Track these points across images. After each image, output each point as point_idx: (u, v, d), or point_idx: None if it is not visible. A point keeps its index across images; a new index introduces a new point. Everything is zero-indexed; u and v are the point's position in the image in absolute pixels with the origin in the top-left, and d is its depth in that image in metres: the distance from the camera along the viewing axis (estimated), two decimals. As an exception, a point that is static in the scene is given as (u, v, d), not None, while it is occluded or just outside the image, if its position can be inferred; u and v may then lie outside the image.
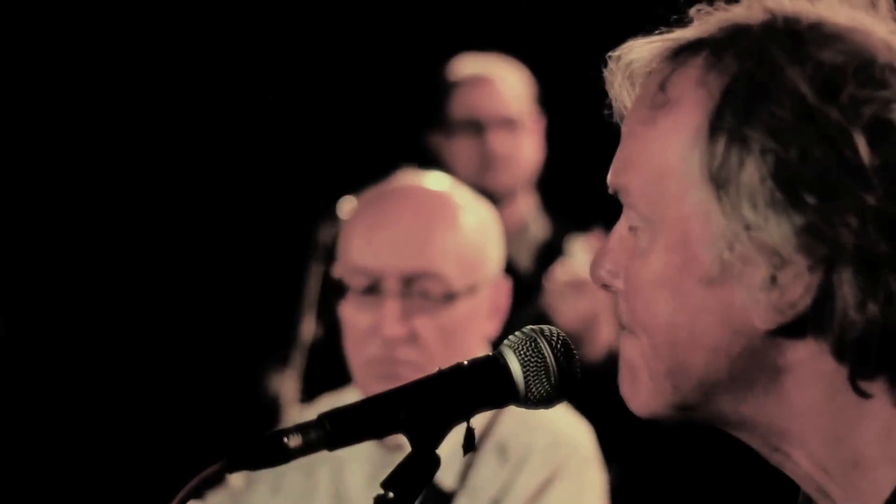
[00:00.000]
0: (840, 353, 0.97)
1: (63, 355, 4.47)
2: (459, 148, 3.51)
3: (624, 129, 1.08)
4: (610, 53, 1.09)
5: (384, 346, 1.98)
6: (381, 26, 4.89)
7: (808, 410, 0.99)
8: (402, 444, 1.93)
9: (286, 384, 3.17)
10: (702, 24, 1.05)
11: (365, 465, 2.07)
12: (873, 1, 1.02)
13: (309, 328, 3.08)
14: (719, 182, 0.97)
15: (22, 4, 4.63)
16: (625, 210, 1.06)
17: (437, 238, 1.99)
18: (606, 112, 1.12)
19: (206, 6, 4.93)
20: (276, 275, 4.00)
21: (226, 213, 4.61)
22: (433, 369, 1.78)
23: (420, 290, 2.00)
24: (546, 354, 1.12)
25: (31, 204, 4.61)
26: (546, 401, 1.12)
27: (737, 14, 1.03)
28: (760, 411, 1.01)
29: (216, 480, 1.14)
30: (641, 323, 1.04)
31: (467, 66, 3.60)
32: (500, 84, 3.55)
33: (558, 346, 1.13)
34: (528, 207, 3.58)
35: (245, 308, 4.41)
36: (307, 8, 4.93)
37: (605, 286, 1.08)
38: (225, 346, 4.40)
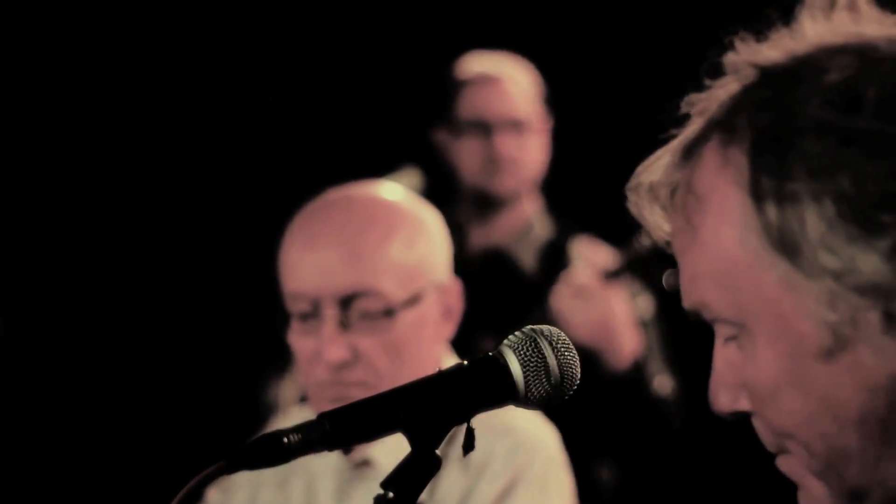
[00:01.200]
0: None
1: (64, 357, 4.47)
2: (465, 148, 3.48)
3: (675, 252, 1.02)
4: (627, 187, 1.05)
5: (329, 370, 1.94)
6: (390, 24, 4.88)
7: None
8: (368, 460, 1.95)
9: (286, 390, 3.16)
10: (698, 114, 1.00)
11: (334, 479, 2.05)
12: (851, 4, 0.98)
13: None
14: (788, 248, 0.92)
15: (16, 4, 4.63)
16: (715, 328, 1.00)
17: (369, 253, 1.92)
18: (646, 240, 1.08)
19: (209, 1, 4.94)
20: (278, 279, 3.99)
21: (228, 216, 4.60)
22: (384, 385, 1.77)
23: (358, 310, 1.94)
24: (546, 354, 1.11)
25: (31, 204, 4.61)
26: (546, 401, 1.12)
27: (727, 88, 0.99)
28: None
29: (210, 482, 1.14)
30: (782, 431, 0.97)
31: (475, 64, 3.56)
32: (509, 84, 3.51)
33: (559, 345, 1.12)
34: (532, 209, 3.56)
35: (245, 313, 4.40)
36: (313, 7, 4.93)
37: (735, 414, 1.00)
38: (225, 351, 4.40)
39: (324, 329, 1.91)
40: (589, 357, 2.99)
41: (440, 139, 3.52)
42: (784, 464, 0.98)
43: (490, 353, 1.13)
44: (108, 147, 4.68)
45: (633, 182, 1.04)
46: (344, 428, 1.12)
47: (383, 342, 1.92)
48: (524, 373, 1.11)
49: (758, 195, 0.92)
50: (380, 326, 1.92)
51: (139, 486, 3.69)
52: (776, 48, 0.97)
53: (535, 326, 1.14)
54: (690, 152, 0.99)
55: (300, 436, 1.09)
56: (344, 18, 5.32)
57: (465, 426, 1.92)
